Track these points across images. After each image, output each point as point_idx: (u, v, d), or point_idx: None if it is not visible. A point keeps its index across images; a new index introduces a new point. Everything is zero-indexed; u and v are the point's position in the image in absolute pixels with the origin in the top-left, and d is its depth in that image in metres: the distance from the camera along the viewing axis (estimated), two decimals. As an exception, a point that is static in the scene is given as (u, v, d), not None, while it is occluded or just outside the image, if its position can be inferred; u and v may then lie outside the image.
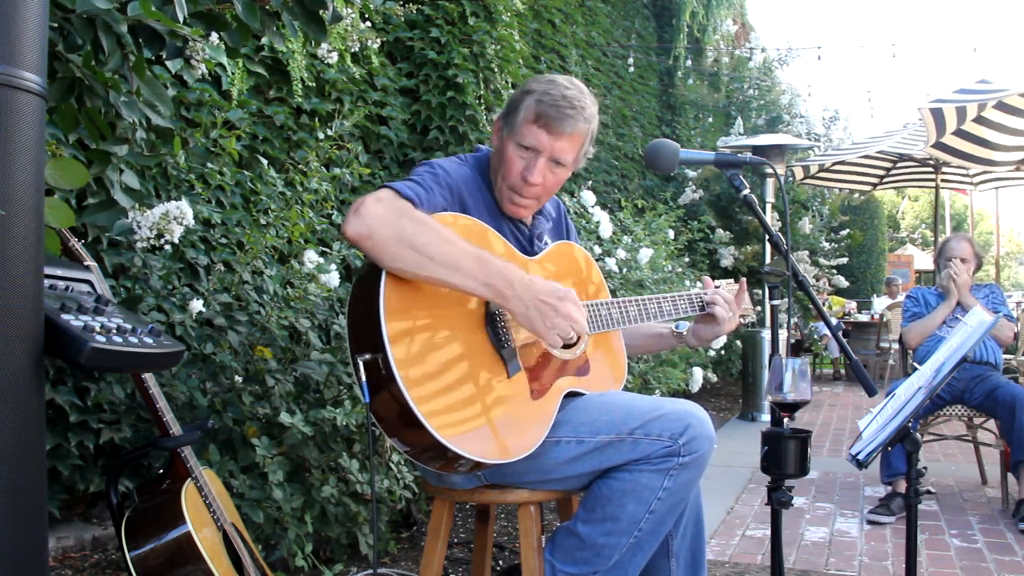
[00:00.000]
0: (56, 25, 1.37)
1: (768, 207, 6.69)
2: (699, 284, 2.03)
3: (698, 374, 4.78)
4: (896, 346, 4.79)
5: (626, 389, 1.87)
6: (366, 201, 1.48)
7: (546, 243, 1.85)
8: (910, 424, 1.61)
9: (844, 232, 9.65)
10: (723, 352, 6.56)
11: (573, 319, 1.52)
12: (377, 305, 1.43)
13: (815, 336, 9.90)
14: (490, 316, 1.58)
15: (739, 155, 1.73)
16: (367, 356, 1.42)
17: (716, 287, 1.99)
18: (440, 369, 1.48)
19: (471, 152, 1.86)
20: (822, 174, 8.07)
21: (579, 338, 1.72)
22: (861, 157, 7.73)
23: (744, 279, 2.05)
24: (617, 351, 1.88)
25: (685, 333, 2.00)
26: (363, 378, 1.43)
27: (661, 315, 1.90)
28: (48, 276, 1.39)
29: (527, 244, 1.80)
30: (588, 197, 4.65)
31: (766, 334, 6.41)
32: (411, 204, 1.52)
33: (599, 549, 1.61)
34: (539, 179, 1.69)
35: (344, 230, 1.48)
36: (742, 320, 2.03)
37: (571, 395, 1.70)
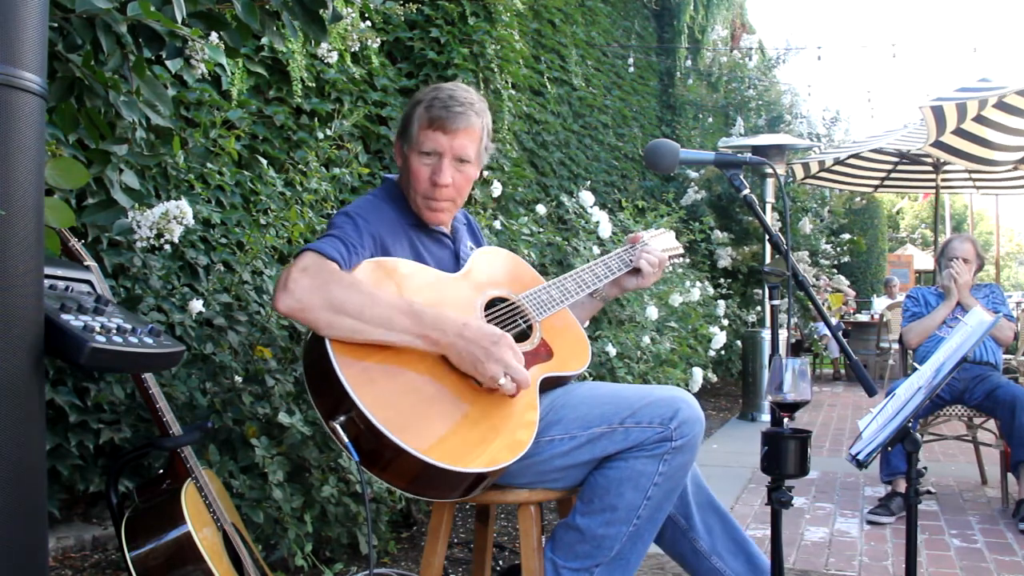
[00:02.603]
0: (56, 25, 1.37)
1: (768, 207, 6.68)
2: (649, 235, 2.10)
3: (698, 374, 4.78)
4: (896, 346, 4.79)
5: None
6: (291, 274, 1.49)
7: (470, 248, 1.90)
8: (910, 424, 1.61)
9: (845, 236, 9.62)
10: (723, 352, 6.55)
11: (506, 363, 1.53)
12: (331, 366, 1.44)
13: (815, 336, 9.90)
14: None
15: (739, 155, 1.74)
16: (341, 418, 1.43)
17: (644, 242, 2.04)
18: (415, 402, 1.49)
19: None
20: (822, 174, 8.06)
21: (531, 327, 1.76)
22: (862, 158, 7.72)
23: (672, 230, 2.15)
24: (572, 327, 1.89)
25: (602, 289, 2.01)
26: (346, 440, 1.43)
27: (597, 280, 1.93)
28: (48, 276, 1.39)
29: (453, 259, 1.84)
30: (587, 197, 4.64)
31: (766, 334, 6.40)
32: (337, 265, 1.53)
33: (600, 540, 1.63)
34: (448, 179, 1.73)
35: (276, 305, 1.49)
36: (672, 263, 2.12)
37: (549, 382, 1.72)
